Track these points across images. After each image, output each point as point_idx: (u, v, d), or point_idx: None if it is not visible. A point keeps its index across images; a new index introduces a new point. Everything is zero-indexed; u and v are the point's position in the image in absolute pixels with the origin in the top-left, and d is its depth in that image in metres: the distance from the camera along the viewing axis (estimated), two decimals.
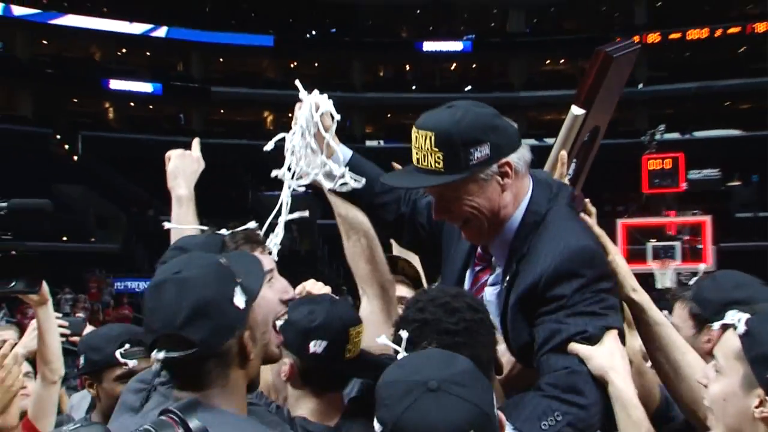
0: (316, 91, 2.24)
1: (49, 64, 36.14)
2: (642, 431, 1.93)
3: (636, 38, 18.29)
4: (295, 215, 2.32)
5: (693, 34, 35.12)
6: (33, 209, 2.31)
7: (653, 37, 34.64)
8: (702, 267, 11.27)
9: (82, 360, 2.90)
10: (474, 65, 39.69)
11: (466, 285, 2.24)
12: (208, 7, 37.40)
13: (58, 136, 34.91)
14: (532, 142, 24.18)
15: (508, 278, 2.05)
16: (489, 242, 2.14)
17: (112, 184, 32.82)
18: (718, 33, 35.12)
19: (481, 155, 1.95)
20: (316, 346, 2.16)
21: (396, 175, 2.22)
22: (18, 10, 33.52)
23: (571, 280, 1.94)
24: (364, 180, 2.28)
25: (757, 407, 1.63)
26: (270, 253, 2.11)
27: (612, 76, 2.24)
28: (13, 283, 2.31)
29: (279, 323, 2.08)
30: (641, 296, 2.11)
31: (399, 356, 1.72)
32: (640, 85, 33.35)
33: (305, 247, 31.47)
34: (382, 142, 37.96)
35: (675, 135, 31.36)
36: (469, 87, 37.38)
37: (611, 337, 1.96)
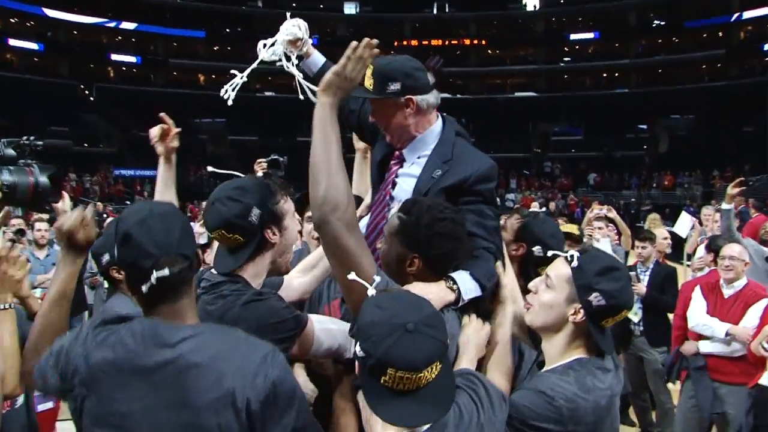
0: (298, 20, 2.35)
1: (77, 44, 38.94)
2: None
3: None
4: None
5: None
6: (60, 147, 2.11)
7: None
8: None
9: (107, 256, 2.71)
10: None
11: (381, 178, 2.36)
12: (168, 13, 40.32)
13: (82, 86, 37.74)
14: None
15: (439, 171, 2.15)
16: (402, 147, 2.29)
17: (112, 114, 35.22)
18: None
19: (393, 88, 2.14)
20: None
21: None
22: (62, 15, 37.29)
23: (488, 182, 2.15)
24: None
25: (572, 315, 1.83)
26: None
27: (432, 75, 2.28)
28: None
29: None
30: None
31: (369, 292, 1.62)
32: None
33: (219, 150, 33.86)
34: None
35: None
36: None
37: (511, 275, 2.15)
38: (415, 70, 2.21)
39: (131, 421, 1.52)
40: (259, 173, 3.81)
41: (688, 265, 7.08)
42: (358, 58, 1.88)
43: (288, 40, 2.40)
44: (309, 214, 3.01)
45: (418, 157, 2.27)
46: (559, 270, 1.91)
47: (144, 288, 1.54)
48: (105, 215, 15.21)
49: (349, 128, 2.65)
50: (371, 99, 2.26)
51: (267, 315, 1.84)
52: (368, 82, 2.17)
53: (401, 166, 2.32)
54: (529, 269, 2.45)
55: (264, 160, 4.01)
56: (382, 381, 1.41)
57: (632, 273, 5.53)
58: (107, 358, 1.54)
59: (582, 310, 1.84)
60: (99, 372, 1.54)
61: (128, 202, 27.95)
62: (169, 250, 1.53)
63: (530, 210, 2.69)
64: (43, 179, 1.64)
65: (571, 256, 1.88)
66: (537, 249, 2.48)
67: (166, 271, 1.52)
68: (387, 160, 2.42)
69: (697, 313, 4.51)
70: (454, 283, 1.97)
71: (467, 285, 1.98)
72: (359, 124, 2.60)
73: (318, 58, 2.55)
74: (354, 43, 1.88)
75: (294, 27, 2.40)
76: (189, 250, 1.58)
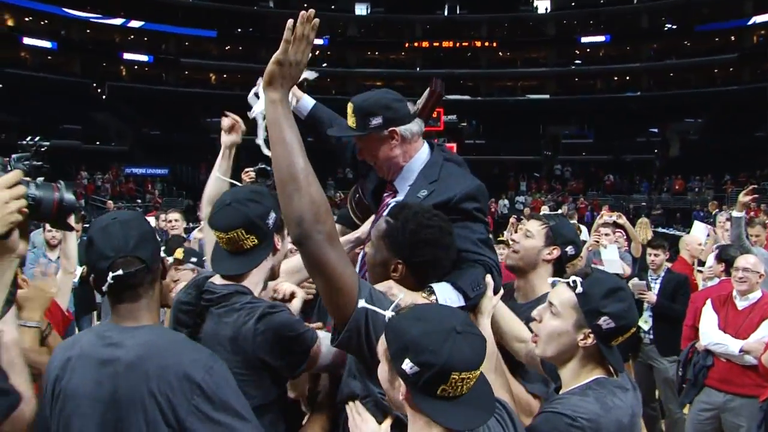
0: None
1: (89, 43, 38.83)
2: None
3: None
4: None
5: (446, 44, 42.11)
6: (67, 147, 4.15)
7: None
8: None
9: None
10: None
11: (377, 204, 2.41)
12: (180, 13, 40.13)
13: (94, 84, 37.87)
14: None
15: (425, 191, 2.15)
16: (392, 178, 2.31)
17: (123, 112, 35.39)
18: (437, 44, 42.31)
19: (375, 123, 2.16)
20: None
21: (335, 128, 2.38)
22: (76, 13, 37.40)
23: (474, 202, 2.14)
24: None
25: (582, 340, 1.82)
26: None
27: (436, 99, 2.47)
28: None
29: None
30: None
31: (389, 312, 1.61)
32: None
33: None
34: None
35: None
36: None
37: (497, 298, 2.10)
38: (393, 102, 2.22)
39: (76, 408, 1.64)
40: (247, 182, 3.88)
41: (699, 271, 7.01)
42: (301, 38, 1.66)
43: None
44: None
45: (409, 186, 2.28)
46: (563, 296, 1.89)
47: (104, 288, 1.66)
48: None
49: (344, 165, 2.67)
50: (357, 137, 2.29)
51: (283, 329, 1.85)
52: (351, 121, 2.22)
53: (394, 197, 2.33)
54: (564, 269, 2.57)
55: (252, 169, 3.96)
56: (439, 391, 1.40)
57: (643, 281, 5.48)
58: (71, 356, 1.68)
59: (592, 335, 1.83)
60: (66, 368, 1.67)
61: (139, 201, 28.35)
62: (125, 253, 1.64)
63: (545, 213, 2.79)
64: (69, 195, 1.63)
65: (574, 282, 1.86)
66: (570, 249, 2.60)
67: (120, 272, 1.62)
68: (381, 190, 2.45)
69: (710, 331, 4.42)
70: (432, 293, 1.96)
71: (447, 295, 1.97)
72: (353, 157, 2.56)
73: (308, 102, 2.57)
74: (290, 22, 1.64)
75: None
76: (146, 254, 1.67)
